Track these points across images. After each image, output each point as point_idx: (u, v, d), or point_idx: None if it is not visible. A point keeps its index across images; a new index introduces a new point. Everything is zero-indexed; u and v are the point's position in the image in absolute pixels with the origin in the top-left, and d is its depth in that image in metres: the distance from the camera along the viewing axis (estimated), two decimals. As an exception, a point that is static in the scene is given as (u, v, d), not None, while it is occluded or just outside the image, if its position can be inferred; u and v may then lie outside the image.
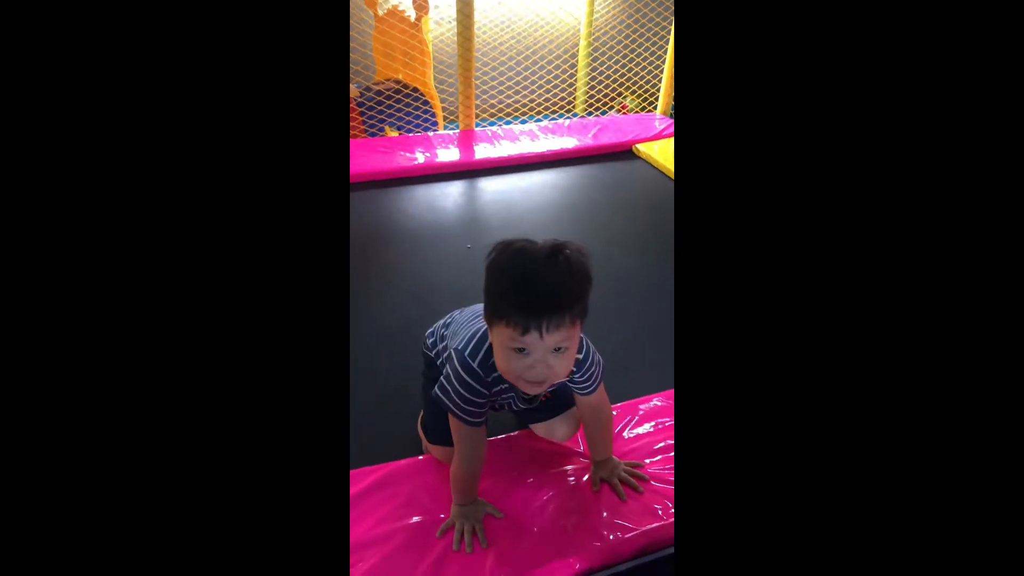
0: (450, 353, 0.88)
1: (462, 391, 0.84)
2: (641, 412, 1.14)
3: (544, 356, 0.72)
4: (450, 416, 0.87)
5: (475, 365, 0.83)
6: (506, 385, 0.84)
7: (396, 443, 1.13)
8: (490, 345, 0.82)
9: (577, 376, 0.88)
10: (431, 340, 1.03)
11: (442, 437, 0.96)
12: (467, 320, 0.93)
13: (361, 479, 0.99)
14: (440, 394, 0.86)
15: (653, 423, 1.12)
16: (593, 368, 0.89)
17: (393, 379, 1.27)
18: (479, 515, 0.92)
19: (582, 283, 0.72)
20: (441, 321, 1.03)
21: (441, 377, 0.87)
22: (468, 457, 0.89)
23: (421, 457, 1.06)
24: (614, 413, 1.10)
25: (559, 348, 0.72)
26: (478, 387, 0.83)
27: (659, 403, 1.15)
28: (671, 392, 1.19)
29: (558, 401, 1.02)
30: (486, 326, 0.80)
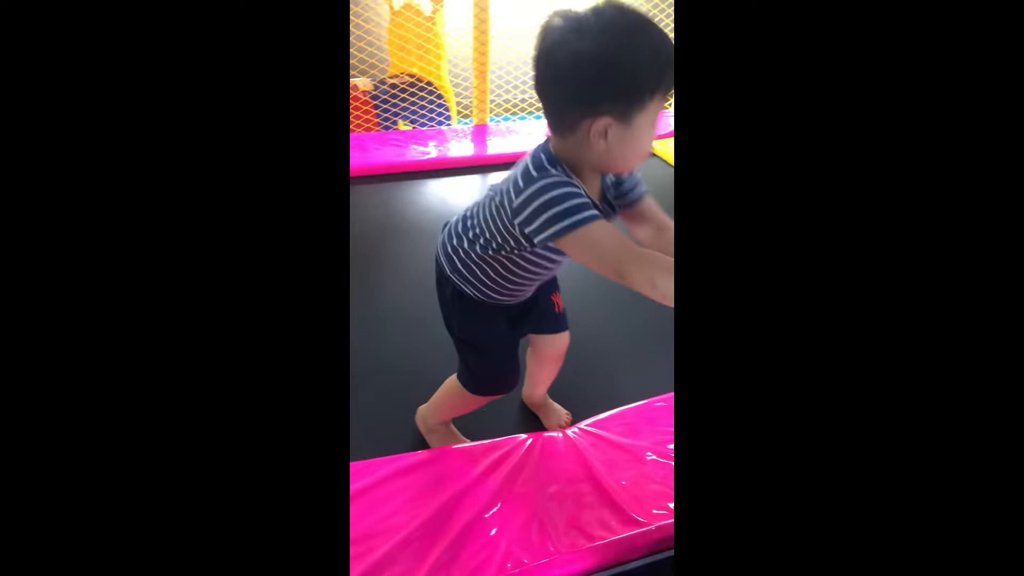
0: (516, 185, 0.76)
1: (562, 192, 0.70)
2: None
3: None
4: (577, 233, 0.69)
5: (554, 170, 0.74)
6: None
7: (409, 436, 1.13)
8: (560, 165, 0.75)
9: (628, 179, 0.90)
10: (461, 226, 0.90)
11: (490, 379, 0.96)
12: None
13: (373, 471, 0.99)
14: (546, 221, 0.71)
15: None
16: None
17: (406, 371, 1.26)
18: None
19: None
20: (460, 213, 0.91)
21: (524, 212, 0.73)
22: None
23: (430, 451, 1.05)
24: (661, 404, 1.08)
25: None
26: (566, 185, 0.71)
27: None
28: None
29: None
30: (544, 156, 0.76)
